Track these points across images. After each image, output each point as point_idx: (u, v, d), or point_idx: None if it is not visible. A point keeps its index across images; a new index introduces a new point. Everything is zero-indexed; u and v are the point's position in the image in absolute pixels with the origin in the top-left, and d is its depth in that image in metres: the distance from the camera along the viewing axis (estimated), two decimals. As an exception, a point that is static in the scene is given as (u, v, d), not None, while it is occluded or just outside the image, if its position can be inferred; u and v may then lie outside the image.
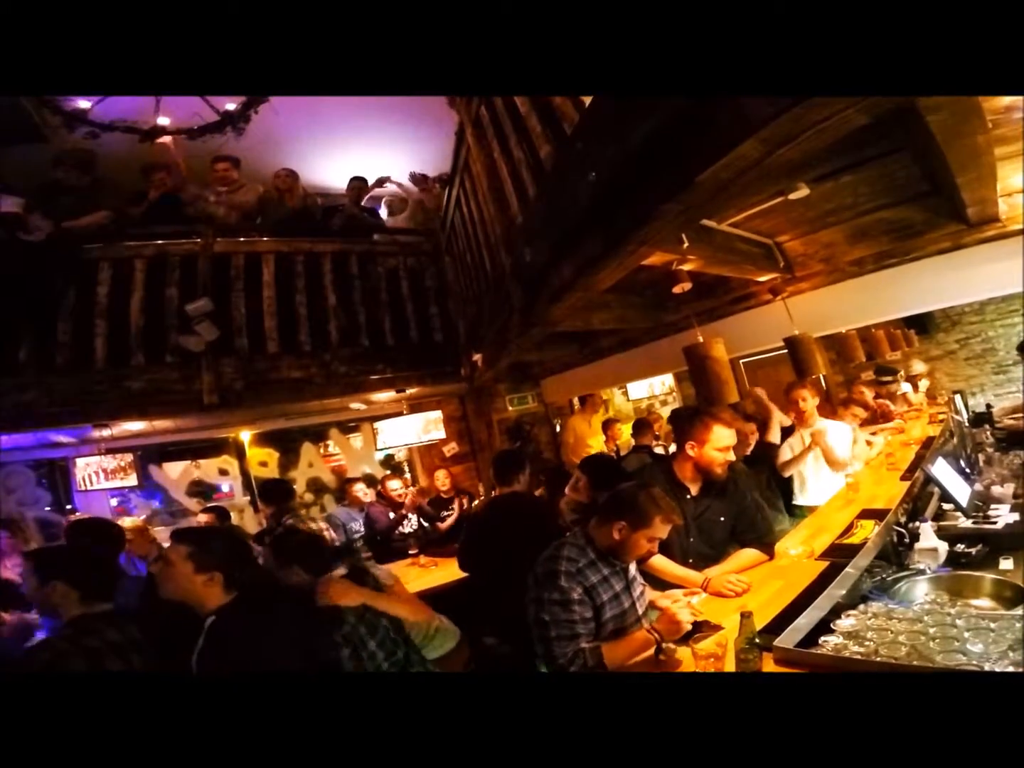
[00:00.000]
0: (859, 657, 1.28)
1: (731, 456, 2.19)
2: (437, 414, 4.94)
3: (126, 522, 3.33)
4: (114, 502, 4.72)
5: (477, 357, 4.01)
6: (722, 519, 2.21)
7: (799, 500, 3.25)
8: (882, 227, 2.68)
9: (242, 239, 4.01)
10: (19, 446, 4.02)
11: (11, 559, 2.97)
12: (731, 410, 2.42)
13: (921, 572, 1.84)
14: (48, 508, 4.40)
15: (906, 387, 5.19)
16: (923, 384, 5.52)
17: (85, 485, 4.04)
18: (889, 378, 5.01)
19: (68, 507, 4.53)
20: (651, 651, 1.56)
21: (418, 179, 4.92)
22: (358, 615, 1.80)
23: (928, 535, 1.99)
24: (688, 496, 2.19)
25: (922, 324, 5.96)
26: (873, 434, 3.96)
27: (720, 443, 2.13)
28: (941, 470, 2.34)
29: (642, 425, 4.90)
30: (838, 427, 3.31)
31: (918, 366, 5.52)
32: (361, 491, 4.40)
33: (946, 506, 2.39)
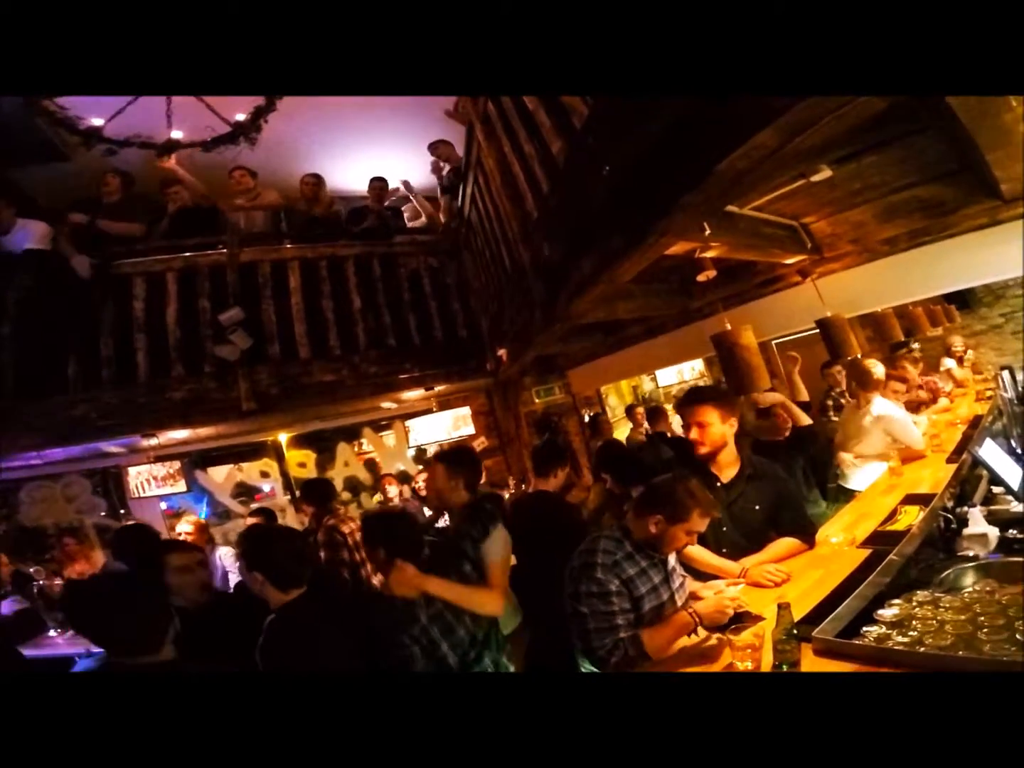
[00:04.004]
0: (902, 648, 1.25)
1: (696, 435, 2.10)
2: (466, 410, 4.99)
3: (189, 520, 3.50)
4: (163, 506, 4.95)
5: (502, 352, 4.03)
6: (757, 508, 2.13)
7: (846, 483, 3.18)
8: (913, 205, 2.58)
9: (267, 247, 4.12)
10: (73, 457, 4.25)
11: (79, 564, 3.16)
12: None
13: (970, 559, 1.78)
14: (103, 514, 4.65)
15: (950, 363, 4.98)
16: (968, 356, 5.29)
17: (138, 492, 4.26)
18: (903, 351, 4.84)
19: (122, 511, 4.78)
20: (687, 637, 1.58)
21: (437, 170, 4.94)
22: (432, 614, 1.70)
23: (977, 520, 1.92)
24: (718, 484, 2.14)
25: (963, 299, 5.71)
26: (916, 411, 3.83)
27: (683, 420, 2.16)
28: (990, 451, 2.24)
29: (656, 413, 4.88)
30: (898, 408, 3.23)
31: (957, 343, 5.29)
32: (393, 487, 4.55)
33: (996, 489, 2.30)
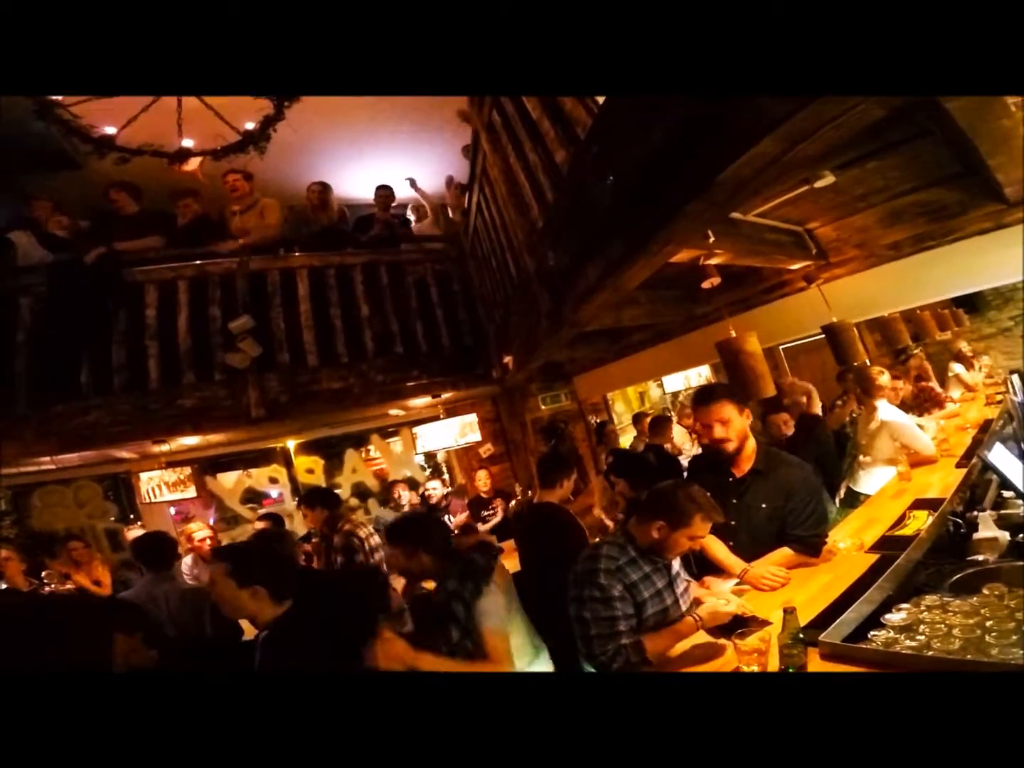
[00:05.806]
0: (909, 652, 1.24)
1: (721, 432, 2.05)
2: (472, 417, 5.01)
3: (199, 527, 3.52)
4: (171, 511, 5.00)
5: (508, 359, 4.05)
6: (763, 506, 2.10)
7: (858, 488, 3.18)
8: (916, 209, 2.58)
9: (275, 256, 4.17)
10: (85, 463, 4.30)
11: (85, 569, 3.19)
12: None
13: (980, 563, 1.76)
14: (112, 519, 4.69)
15: (958, 368, 4.94)
16: (984, 360, 5.24)
17: (149, 498, 4.30)
18: (903, 356, 4.81)
19: (131, 516, 4.82)
20: (692, 639, 1.58)
21: (448, 181, 5.02)
22: None
23: (988, 524, 1.91)
24: (730, 478, 2.15)
25: (972, 303, 5.67)
26: (920, 415, 3.82)
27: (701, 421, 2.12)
28: (1000, 456, 2.21)
29: (659, 423, 4.80)
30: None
31: (963, 347, 5.26)
32: (401, 492, 4.56)
33: (1007, 494, 2.28)
